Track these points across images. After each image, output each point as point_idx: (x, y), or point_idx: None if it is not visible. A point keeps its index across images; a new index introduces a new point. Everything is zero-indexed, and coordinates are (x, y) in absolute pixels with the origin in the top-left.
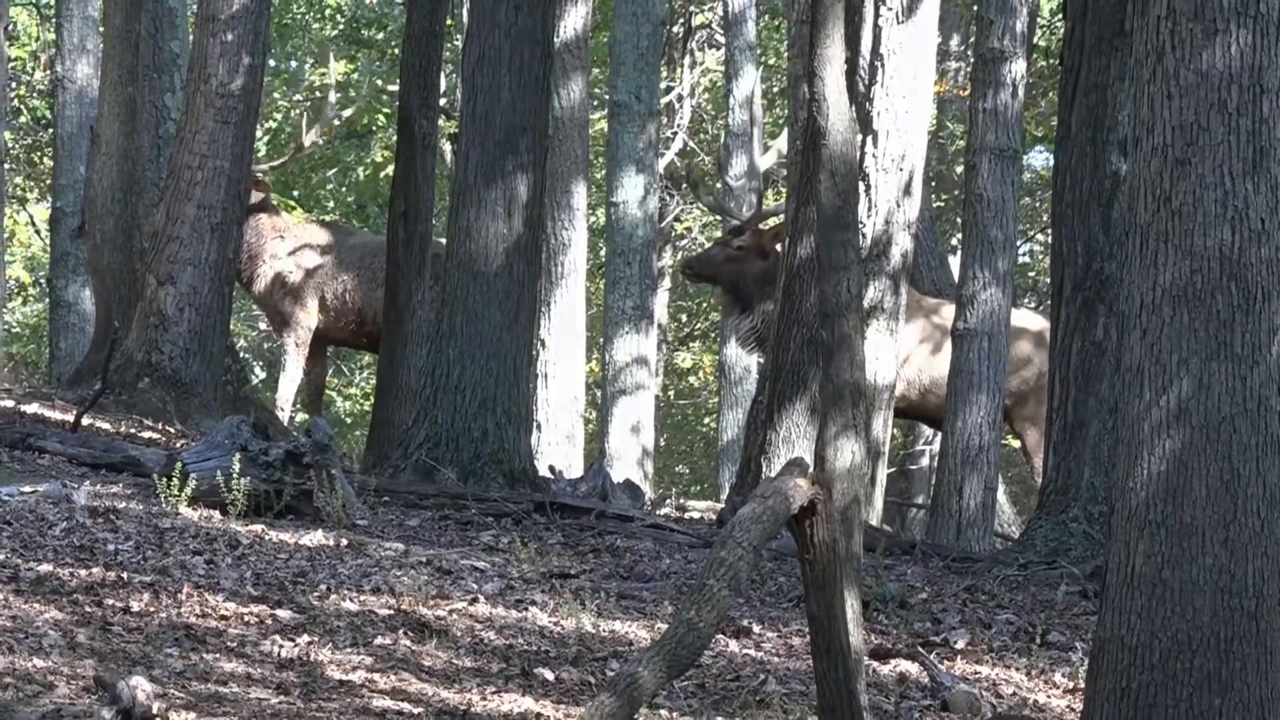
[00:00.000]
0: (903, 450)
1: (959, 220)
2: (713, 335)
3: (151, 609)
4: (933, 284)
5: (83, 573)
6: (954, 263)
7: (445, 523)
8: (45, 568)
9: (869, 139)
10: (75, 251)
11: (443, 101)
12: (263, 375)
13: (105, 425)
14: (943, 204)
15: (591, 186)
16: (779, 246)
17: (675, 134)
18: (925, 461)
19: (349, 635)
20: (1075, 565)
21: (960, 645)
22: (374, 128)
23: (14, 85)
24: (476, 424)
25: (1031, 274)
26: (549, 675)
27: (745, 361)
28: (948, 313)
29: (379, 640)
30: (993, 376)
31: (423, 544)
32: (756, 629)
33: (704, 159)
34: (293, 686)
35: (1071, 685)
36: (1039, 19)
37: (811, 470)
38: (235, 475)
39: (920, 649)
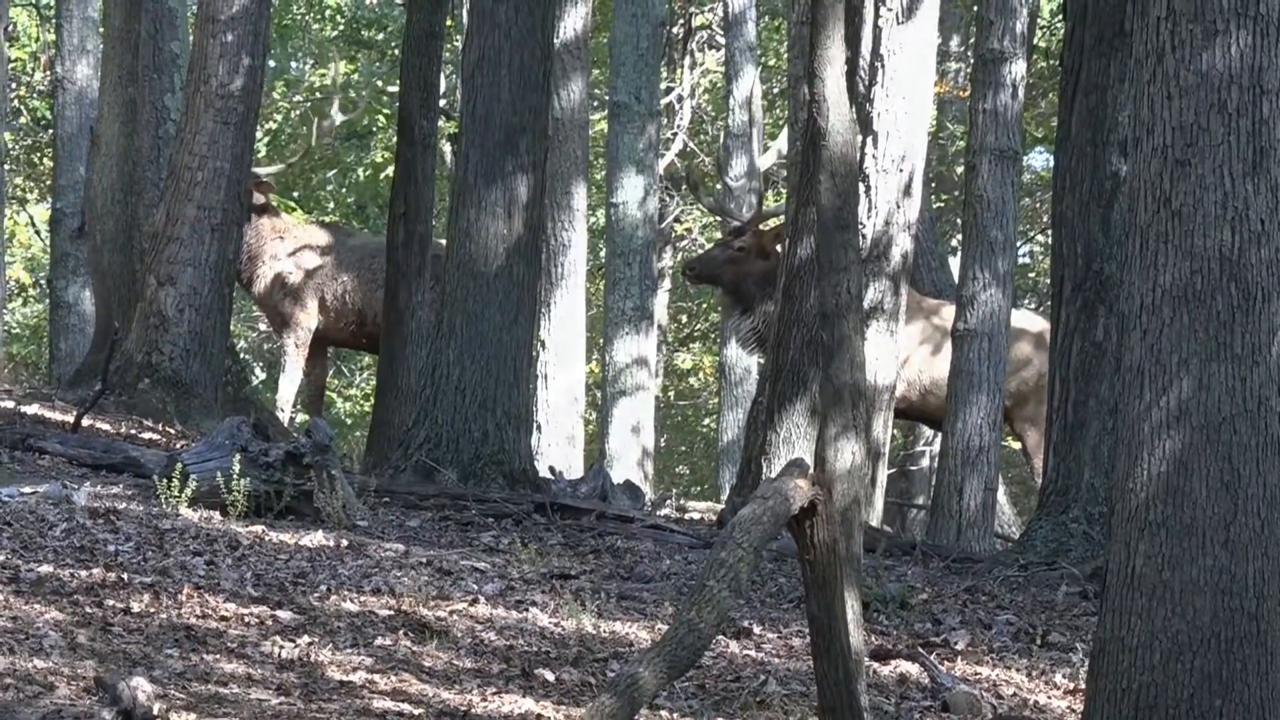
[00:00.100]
0: (903, 451)
1: (959, 221)
2: (713, 336)
3: (152, 610)
4: (933, 285)
5: (83, 574)
6: (954, 264)
7: (445, 523)
8: (46, 569)
9: (869, 140)
10: (75, 252)
11: (443, 102)
12: (263, 376)
13: (105, 426)
14: (943, 205)
15: (591, 187)
16: (779, 247)
17: (675, 135)
18: (925, 462)
19: (349, 636)
20: (1075, 566)
21: (960, 646)
22: (374, 128)
23: (14, 86)
24: (477, 425)
25: (1031, 275)
26: (549, 676)
27: (745, 362)
28: (948, 313)
29: (379, 641)
30: (993, 377)
31: (423, 545)
32: (757, 630)
33: (704, 160)
34: (293, 687)
35: (1072, 686)
36: (1039, 20)
37: (812, 471)
38: (235, 476)
39: (921, 650)
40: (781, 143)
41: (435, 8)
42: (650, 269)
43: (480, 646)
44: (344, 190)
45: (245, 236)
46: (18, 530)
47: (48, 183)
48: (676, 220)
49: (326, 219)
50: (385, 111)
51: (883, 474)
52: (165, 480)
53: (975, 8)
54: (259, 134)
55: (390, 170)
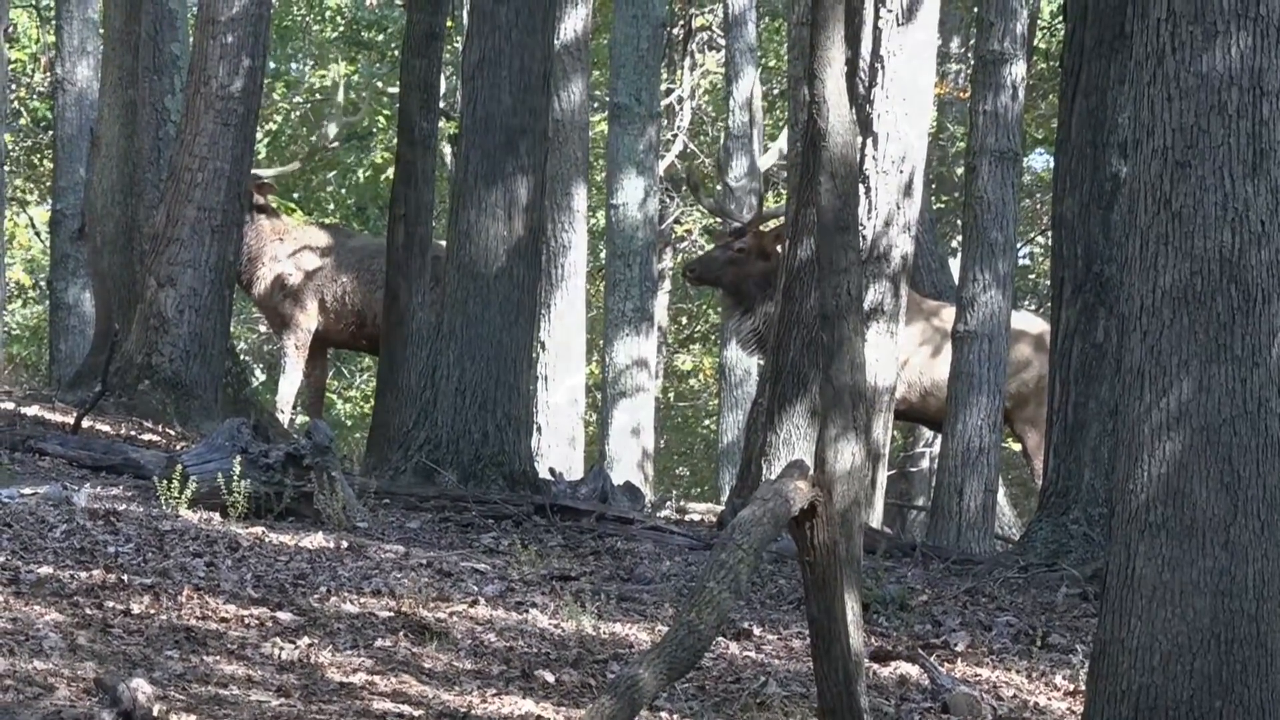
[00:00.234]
0: (903, 452)
1: (959, 222)
2: (713, 337)
3: (152, 611)
4: (933, 286)
5: (83, 575)
6: (954, 265)
7: (445, 525)
8: (45, 570)
9: (869, 141)
10: (75, 254)
11: (443, 104)
12: (263, 377)
13: (105, 427)
14: (943, 206)
15: (591, 189)
16: (779, 248)
17: (675, 136)
18: (925, 464)
19: (349, 637)
20: (1076, 567)
21: (960, 647)
22: (374, 129)
23: (14, 87)
24: (477, 426)
25: (1032, 276)
26: (549, 677)
27: (745, 363)
28: (948, 315)
29: (379, 642)
30: (993, 379)
31: (423, 546)
32: (757, 631)
33: (704, 161)
34: (293, 689)
35: (1072, 687)
36: (1039, 21)
37: (812, 472)
38: (235, 477)
39: (920, 651)
40: (782, 143)
41: (435, 9)
42: (650, 270)
43: (480, 648)
44: (344, 191)
45: (245, 238)
46: (18, 531)
47: (48, 184)
48: (676, 222)
49: (326, 220)
50: (385, 113)
51: (883, 475)
52: (165, 482)
53: (975, 9)
54: (259, 135)
55: (390, 171)
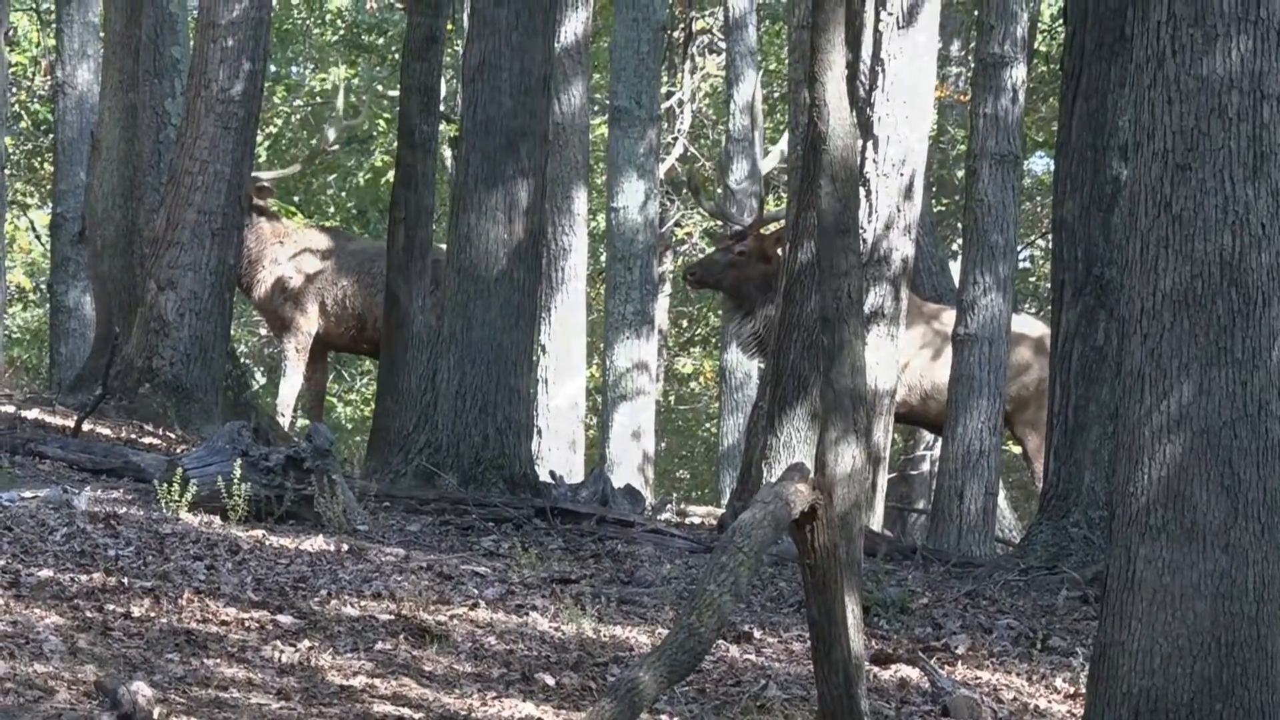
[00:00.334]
0: (903, 455)
1: (960, 225)
2: (713, 340)
3: (152, 614)
4: (933, 289)
5: (83, 578)
6: (955, 268)
7: (446, 528)
8: (46, 573)
9: (869, 144)
10: (76, 257)
11: (443, 107)
12: (263, 381)
13: (106, 431)
14: (943, 209)
15: (592, 192)
16: (780, 251)
17: (676, 139)
18: (926, 467)
19: (349, 640)
20: (1076, 570)
21: (961, 650)
22: (374, 133)
23: (14, 90)
24: (477, 429)
25: (1032, 279)
26: (549, 680)
27: (746, 367)
28: (948, 318)
29: (379, 645)
30: (993, 382)
31: (423, 549)
32: (757, 634)
33: (704, 164)
34: (293, 692)
35: (1072, 690)
36: (1039, 24)
37: (812, 475)
38: (236, 481)
39: (921, 654)
40: (784, 146)
41: (436, 12)
42: (651, 273)
43: (480, 651)
44: (344, 195)
45: (245, 241)
46: (18, 535)
47: (48, 187)
48: (677, 225)
49: (327, 223)
50: (386, 116)
51: (883, 479)
52: (166, 485)
53: (976, 12)
54: (259, 139)
55: (391, 175)
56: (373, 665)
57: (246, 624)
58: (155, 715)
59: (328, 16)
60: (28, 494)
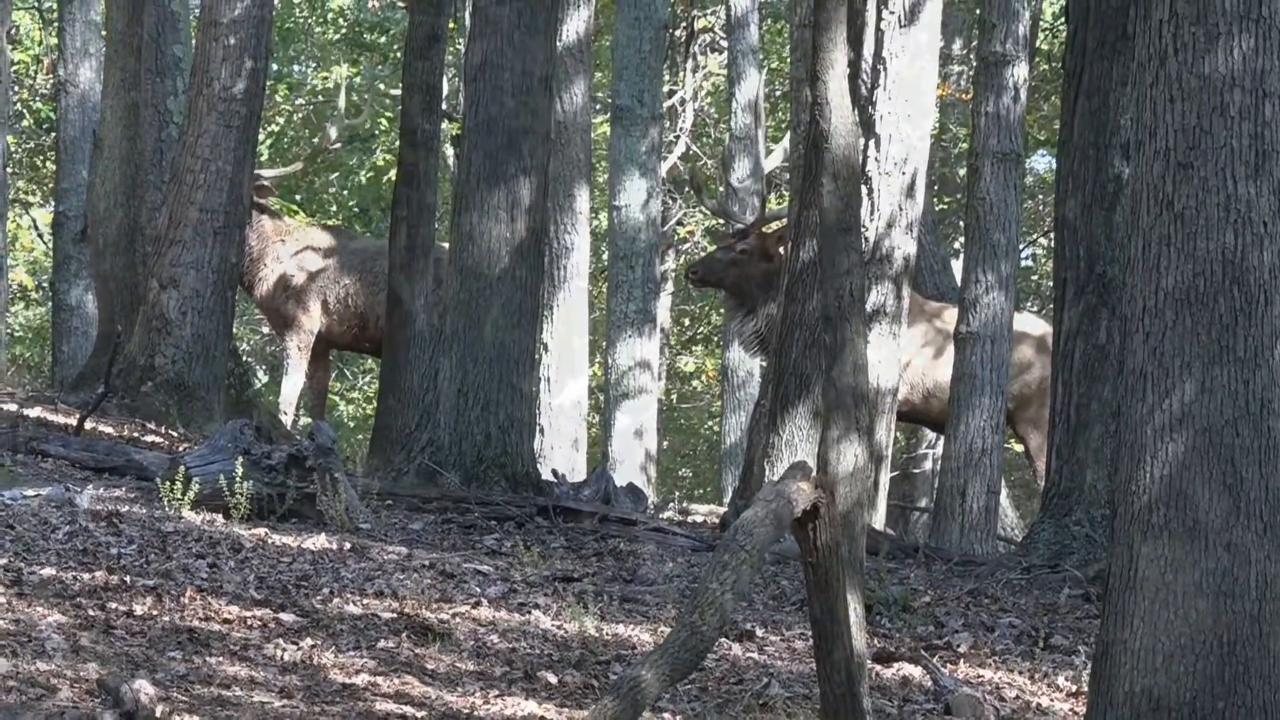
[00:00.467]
0: (905, 454)
1: (962, 224)
2: (715, 339)
3: (154, 612)
4: (935, 287)
5: (86, 576)
6: (957, 266)
7: (448, 526)
8: (48, 571)
9: (871, 142)
10: (78, 255)
11: (445, 105)
12: (265, 379)
13: (108, 429)
14: (945, 207)
15: (594, 190)
16: (782, 249)
17: (678, 138)
18: (928, 465)
19: (352, 639)
20: (1078, 568)
21: (963, 649)
22: (376, 132)
23: (17, 89)
24: (479, 428)
25: (1034, 278)
26: (552, 679)
27: (748, 365)
28: (950, 316)
29: (382, 644)
30: (995, 380)
31: (426, 547)
32: (759, 632)
33: (706, 163)
34: (296, 690)
35: (1075, 689)
36: (1041, 23)
37: (814, 474)
38: (238, 479)
39: (923, 652)
40: (787, 145)
41: (438, 11)
42: (653, 272)
43: (483, 649)
44: (346, 193)
45: (248, 239)
46: (20, 533)
47: (50, 186)
48: (679, 223)
49: (329, 222)
50: (388, 115)
51: (885, 477)
52: (168, 483)
53: (978, 11)
54: (261, 137)
55: (392, 173)
56: (375, 663)
57: (249, 622)
58: (157, 713)
59: (329, 15)
60: (30, 492)
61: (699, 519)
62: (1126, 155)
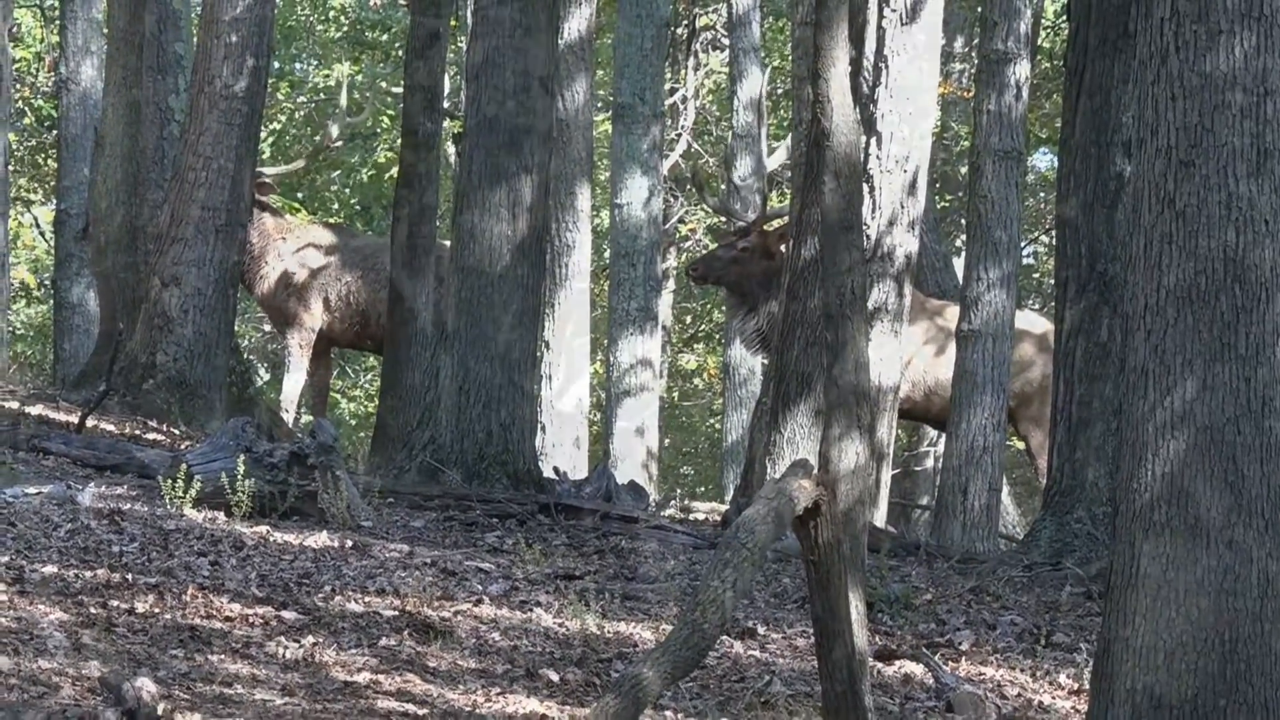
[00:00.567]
0: (907, 451)
1: (963, 222)
2: (717, 337)
3: (156, 610)
4: (937, 285)
5: (88, 574)
6: (958, 264)
7: (450, 524)
8: (50, 569)
9: (873, 140)
10: (79, 253)
11: (447, 104)
12: (267, 377)
13: (110, 427)
14: (947, 205)
15: (595, 188)
16: (784, 247)
17: (679, 136)
18: (929, 463)
19: (354, 636)
20: (1080, 566)
21: (965, 646)
22: (378, 130)
23: (18, 87)
24: (481, 425)
25: (1036, 275)
26: (554, 676)
27: (750, 363)
28: (952, 314)
29: (384, 641)
30: (997, 378)
31: (427, 545)
32: (761, 630)
33: (708, 160)
34: (297, 688)
35: (1076, 686)
36: (1043, 21)
37: (816, 472)
38: (240, 477)
39: (925, 650)
40: (789, 143)
41: (439, 10)
42: (654, 270)
43: (485, 647)
44: (348, 191)
45: (249, 237)
46: (22, 531)
47: (52, 184)
48: (680, 221)
49: (330, 220)
50: (389, 113)
51: (887, 475)
52: (170, 481)
53: (979, 9)
54: (263, 135)
55: (394, 171)
56: (377, 661)
57: (250, 620)
58: (159, 711)
59: (331, 13)
60: (32, 490)
61: (700, 517)
62: (1128, 153)
